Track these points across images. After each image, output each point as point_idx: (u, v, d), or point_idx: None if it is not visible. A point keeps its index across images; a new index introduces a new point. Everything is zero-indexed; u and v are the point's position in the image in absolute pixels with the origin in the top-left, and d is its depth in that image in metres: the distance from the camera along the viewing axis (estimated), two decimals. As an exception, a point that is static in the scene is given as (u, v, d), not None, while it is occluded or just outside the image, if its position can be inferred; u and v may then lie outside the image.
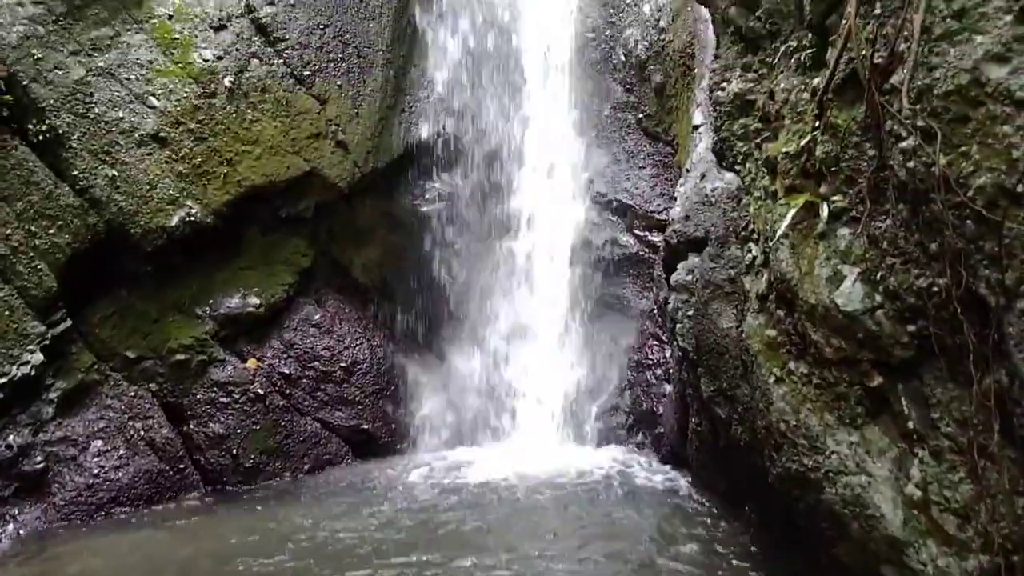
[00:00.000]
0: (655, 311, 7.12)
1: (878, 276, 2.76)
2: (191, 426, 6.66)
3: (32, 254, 5.83)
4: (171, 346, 6.65)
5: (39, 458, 5.82)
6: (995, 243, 2.21)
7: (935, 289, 2.52)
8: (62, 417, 6.04)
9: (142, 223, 6.28)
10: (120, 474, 6.12)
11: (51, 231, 5.92)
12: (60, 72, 5.94)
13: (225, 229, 6.80)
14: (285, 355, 7.18)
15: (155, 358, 6.61)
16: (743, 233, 3.94)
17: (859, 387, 2.99)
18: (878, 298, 2.77)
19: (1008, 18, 2.21)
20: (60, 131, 5.93)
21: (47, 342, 5.87)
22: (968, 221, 2.29)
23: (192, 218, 6.45)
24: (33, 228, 5.85)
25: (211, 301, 6.89)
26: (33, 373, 5.77)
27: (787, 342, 3.31)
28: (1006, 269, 2.20)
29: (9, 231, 5.72)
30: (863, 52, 2.69)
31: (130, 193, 6.22)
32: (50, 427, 5.96)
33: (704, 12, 5.26)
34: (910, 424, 2.77)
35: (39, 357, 5.81)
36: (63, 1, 5.94)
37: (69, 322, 6.09)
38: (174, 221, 6.38)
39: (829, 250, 2.95)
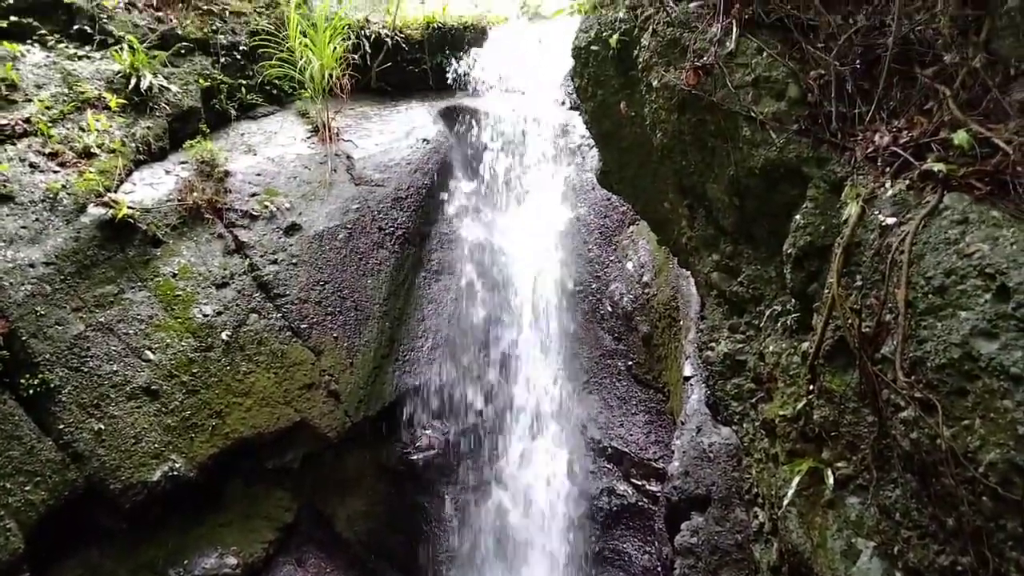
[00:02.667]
0: (659, 568, 6.72)
1: (895, 550, 2.61)
2: None
3: (3, 512, 5.54)
4: (137, 613, 6.15)
5: None
6: (1018, 523, 2.11)
7: (959, 568, 2.37)
8: None
9: (123, 478, 6.06)
10: None
11: (27, 487, 5.69)
12: (60, 327, 6.04)
13: (206, 482, 6.57)
14: (259, 623, 6.63)
15: (118, 626, 6.09)
16: (747, 496, 3.81)
17: (891, 676, 2.71)
18: (899, 575, 2.60)
19: (988, 296, 2.29)
20: (52, 385, 5.90)
21: (2, 611, 5.41)
22: (984, 498, 2.20)
23: (175, 472, 6.24)
24: (8, 485, 5.61)
25: (186, 561, 6.48)
26: (-20, 649, 5.25)
27: (806, 620, 3.07)
28: (1034, 552, 2.09)
29: (-18, 489, 5.49)
30: (850, 322, 2.76)
31: (114, 447, 6.06)
32: None
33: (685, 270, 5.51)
34: None
35: (-9, 630, 5.33)
36: (73, 262, 6.19)
37: (31, 587, 5.67)
38: (156, 476, 6.17)
39: (840, 520, 2.82)
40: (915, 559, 2.51)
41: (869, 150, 3.07)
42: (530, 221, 8.55)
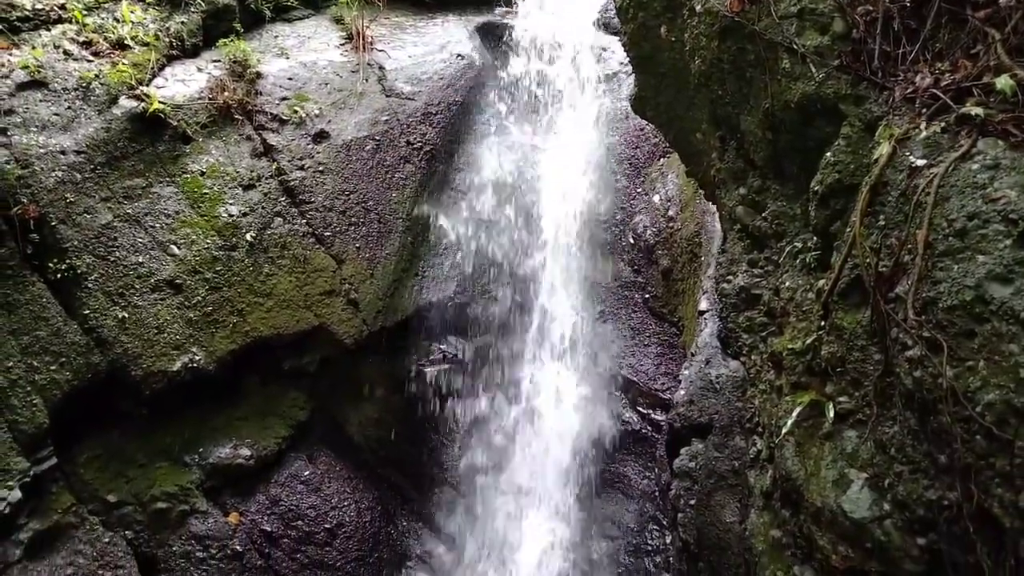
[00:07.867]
0: (656, 493, 6.92)
1: (886, 483, 2.68)
2: (161, 581, 6.33)
3: (29, 388, 5.78)
4: (154, 493, 6.45)
5: (-4, 607, 5.49)
6: (1007, 462, 2.17)
7: (946, 503, 2.44)
8: (29, 560, 5.74)
9: (144, 366, 6.27)
10: (78, 630, 5.75)
11: (53, 367, 5.91)
12: (89, 216, 6.16)
13: (225, 377, 6.79)
14: (269, 511, 6.93)
15: (136, 504, 6.40)
16: (748, 425, 3.90)
17: (869, 600, 2.83)
18: (886, 506, 2.68)
19: (1008, 242, 2.30)
20: (79, 271, 6.06)
21: (28, 479, 5.70)
22: (978, 436, 2.26)
23: (195, 364, 6.45)
24: (35, 363, 5.84)
25: (201, 449, 6.76)
26: (7, 511, 5.55)
27: (792, 544, 3.18)
28: (1019, 490, 2.15)
29: (11, 364, 5.71)
30: (868, 260, 2.77)
31: (137, 336, 6.25)
32: (14, 571, 5.65)
33: (712, 205, 5.49)
34: (925, 647, 2.60)
35: (17, 495, 5.62)
36: (104, 152, 6.26)
37: (55, 460, 5.95)
38: (176, 366, 6.38)
39: (835, 452, 2.90)
40: (904, 492, 2.59)
41: (908, 91, 3.01)
42: (560, 146, 8.48)
